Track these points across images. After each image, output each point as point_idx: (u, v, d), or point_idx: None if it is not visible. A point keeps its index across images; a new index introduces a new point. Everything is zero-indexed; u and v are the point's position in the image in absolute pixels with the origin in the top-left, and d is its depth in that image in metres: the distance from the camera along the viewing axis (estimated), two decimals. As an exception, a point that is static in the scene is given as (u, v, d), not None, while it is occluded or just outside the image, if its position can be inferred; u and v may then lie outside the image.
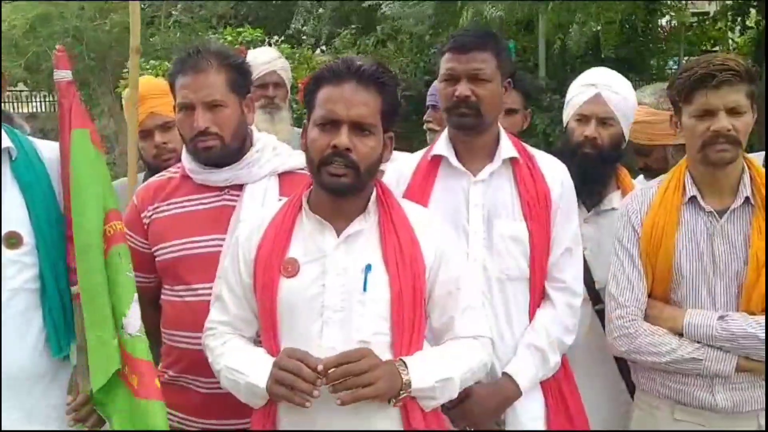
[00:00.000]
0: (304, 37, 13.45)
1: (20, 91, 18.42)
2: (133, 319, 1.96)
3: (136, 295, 1.98)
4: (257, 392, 1.78)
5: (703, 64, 2.10)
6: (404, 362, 1.76)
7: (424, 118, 3.44)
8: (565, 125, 2.71)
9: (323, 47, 13.42)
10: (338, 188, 1.79)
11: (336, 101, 1.77)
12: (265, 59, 3.48)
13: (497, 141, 2.20)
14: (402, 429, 1.79)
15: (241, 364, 1.83)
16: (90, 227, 1.96)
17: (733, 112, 2.08)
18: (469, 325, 1.90)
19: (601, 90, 2.56)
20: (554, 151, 2.45)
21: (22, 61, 11.43)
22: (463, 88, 2.11)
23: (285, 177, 2.23)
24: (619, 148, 2.61)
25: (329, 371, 1.69)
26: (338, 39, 12.39)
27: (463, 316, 1.89)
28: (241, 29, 11.12)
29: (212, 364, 1.93)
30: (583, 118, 2.59)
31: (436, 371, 1.79)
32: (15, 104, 19.05)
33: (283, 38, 12.92)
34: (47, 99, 19.26)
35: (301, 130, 1.96)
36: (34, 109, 19.26)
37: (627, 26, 9.98)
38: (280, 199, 2.11)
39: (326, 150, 1.77)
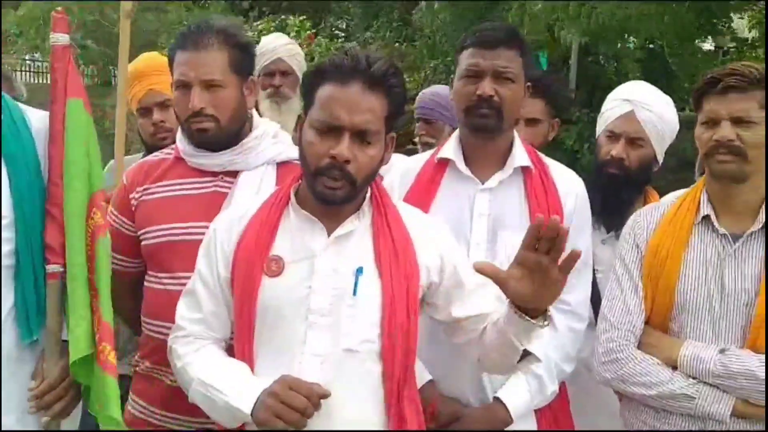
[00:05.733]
0: (337, 32, 13.41)
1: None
2: None
3: None
4: (237, 416, 1.66)
5: (715, 71, 1.98)
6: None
7: (415, 133, 3.31)
8: (597, 137, 2.59)
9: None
10: (331, 200, 1.68)
11: (339, 105, 1.64)
12: (271, 47, 3.34)
13: (510, 148, 2.08)
14: None
15: (218, 380, 1.70)
16: (74, 206, 1.89)
17: (740, 121, 1.94)
18: (482, 301, 1.79)
19: (636, 107, 2.44)
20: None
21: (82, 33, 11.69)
22: (486, 87, 1.98)
23: (283, 167, 2.12)
24: (648, 170, 2.49)
25: None
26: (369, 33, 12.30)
27: (473, 294, 1.79)
28: (284, 17, 11.12)
29: (178, 371, 1.80)
30: (612, 136, 2.48)
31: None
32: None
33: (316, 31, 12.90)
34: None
35: None
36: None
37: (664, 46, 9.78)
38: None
39: (324, 159, 1.64)
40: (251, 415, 1.62)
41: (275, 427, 1.59)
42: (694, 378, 1.95)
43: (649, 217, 2.14)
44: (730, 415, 1.93)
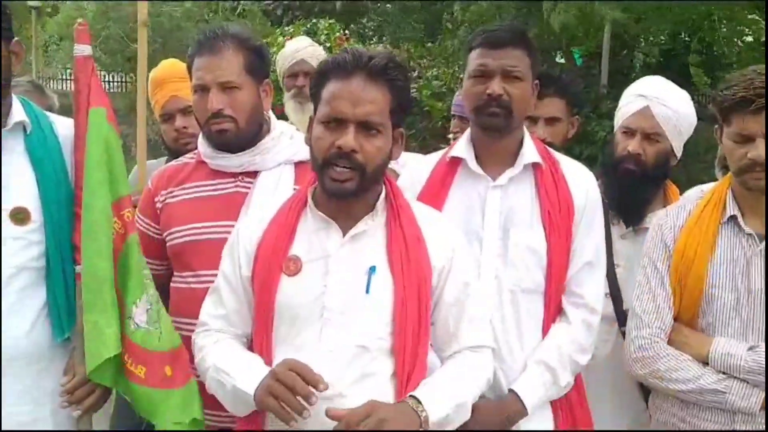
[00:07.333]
0: (370, 33, 13.43)
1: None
2: (141, 310, 1.95)
3: (147, 289, 1.96)
4: (243, 398, 1.70)
5: (743, 85, 1.96)
6: (416, 398, 1.69)
7: (450, 129, 3.34)
8: (614, 132, 2.58)
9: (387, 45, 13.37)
10: (341, 193, 1.71)
11: (342, 98, 1.68)
12: (293, 49, 3.43)
13: (521, 145, 2.09)
14: None
15: (230, 366, 1.76)
16: (98, 211, 1.93)
17: None
18: (473, 334, 1.83)
19: (651, 103, 2.42)
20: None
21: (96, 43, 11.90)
22: (496, 86, 2.00)
23: (301, 166, 2.16)
24: (665, 165, 2.47)
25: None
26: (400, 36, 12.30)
27: (468, 326, 1.83)
28: (314, 20, 11.22)
29: (198, 363, 1.87)
30: (628, 131, 2.47)
31: (449, 398, 1.72)
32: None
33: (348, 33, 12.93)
34: (123, 80, 19.66)
35: None
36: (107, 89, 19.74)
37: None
38: (294, 188, 2.06)
39: (330, 150, 1.69)
40: (254, 397, 1.65)
41: (272, 407, 1.61)
42: (724, 373, 1.98)
43: (675, 217, 2.14)
44: (759, 409, 1.94)
